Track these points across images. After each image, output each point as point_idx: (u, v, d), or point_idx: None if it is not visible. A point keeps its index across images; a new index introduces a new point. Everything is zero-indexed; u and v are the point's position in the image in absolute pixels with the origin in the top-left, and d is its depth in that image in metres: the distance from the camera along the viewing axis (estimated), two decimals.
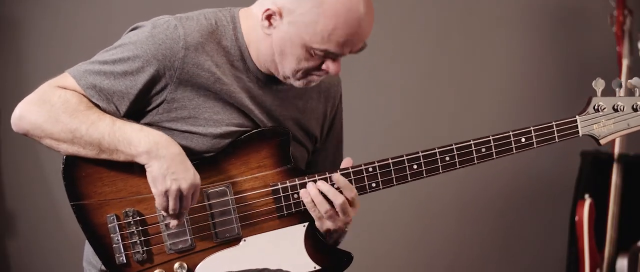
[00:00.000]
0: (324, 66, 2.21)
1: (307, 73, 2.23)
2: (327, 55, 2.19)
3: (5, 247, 3.90)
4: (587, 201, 3.85)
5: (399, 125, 4.13)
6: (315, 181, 2.26)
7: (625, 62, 3.94)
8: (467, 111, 4.16)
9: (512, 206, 4.26)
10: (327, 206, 2.24)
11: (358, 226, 4.09)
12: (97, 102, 2.19)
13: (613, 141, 3.87)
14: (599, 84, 2.33)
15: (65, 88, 2.18)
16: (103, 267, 2.24)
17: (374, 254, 4.18)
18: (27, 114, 2.17)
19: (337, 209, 2.25)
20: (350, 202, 2.26)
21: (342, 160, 2.42)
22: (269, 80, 2.28)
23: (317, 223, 2.28)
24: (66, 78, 2.20)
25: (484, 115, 4.18)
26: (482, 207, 4.24)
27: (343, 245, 2.34)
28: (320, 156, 2.45)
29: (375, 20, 2.20)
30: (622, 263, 3.85)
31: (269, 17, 2.20)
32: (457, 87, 4.18)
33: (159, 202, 2.16)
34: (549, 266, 4.26)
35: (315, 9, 2.15)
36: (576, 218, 3.85)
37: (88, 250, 2.31)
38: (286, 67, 2.22)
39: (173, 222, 2.19)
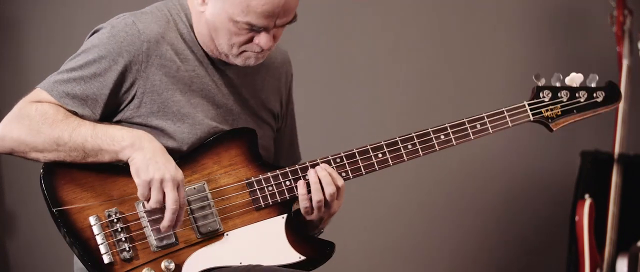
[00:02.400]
0: (255, 40, 2.24)
1: (241, 48, 2.25)
2: (252, 28, 2.21)
3: (5, 247, 3.91)
4: (587, 201, 3.85)
5: (399, 126, 4.13)
6: (296, 172, 2.30)
7: (625, 63, 3.94)
8: (467, 112, 4.15)
9: (512, 206, 4.26)
10: (333, 188, 2.28)
11: (358, 226, 4.11)
12: (73, 109, 2.22)
13: (613, 141, 3.91)
14: (540, 80, 2.47)
15: (40, 102, 2.21)
16: None
17: (373, 254, 4.18)
18: (7, 132, 2.19)
19: (327, 198, 2.28)
20: (338, 192, 2.30)
21: (298, 143, 2.49)
22: (225, 63, 2.32)
23: (307, 210, 2.30)
24: (39, 93, 2.23)
25: None
26: (481, 207, 4.24)
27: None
28: (278, 139, 2.49)
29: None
30: (622, 263, 3.85)
31: None
32: (457, 87, 4.18)
33: (141, 192, 2.17)
34: (549, 266, 4.26)
35: None
36: (576, 218, 3.85)
37: (77, 260, 2.30)
38: (222, 44, 2.25)
39: (164, 224, 2.19)
